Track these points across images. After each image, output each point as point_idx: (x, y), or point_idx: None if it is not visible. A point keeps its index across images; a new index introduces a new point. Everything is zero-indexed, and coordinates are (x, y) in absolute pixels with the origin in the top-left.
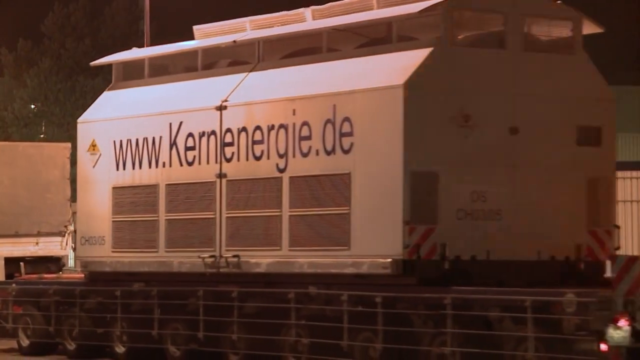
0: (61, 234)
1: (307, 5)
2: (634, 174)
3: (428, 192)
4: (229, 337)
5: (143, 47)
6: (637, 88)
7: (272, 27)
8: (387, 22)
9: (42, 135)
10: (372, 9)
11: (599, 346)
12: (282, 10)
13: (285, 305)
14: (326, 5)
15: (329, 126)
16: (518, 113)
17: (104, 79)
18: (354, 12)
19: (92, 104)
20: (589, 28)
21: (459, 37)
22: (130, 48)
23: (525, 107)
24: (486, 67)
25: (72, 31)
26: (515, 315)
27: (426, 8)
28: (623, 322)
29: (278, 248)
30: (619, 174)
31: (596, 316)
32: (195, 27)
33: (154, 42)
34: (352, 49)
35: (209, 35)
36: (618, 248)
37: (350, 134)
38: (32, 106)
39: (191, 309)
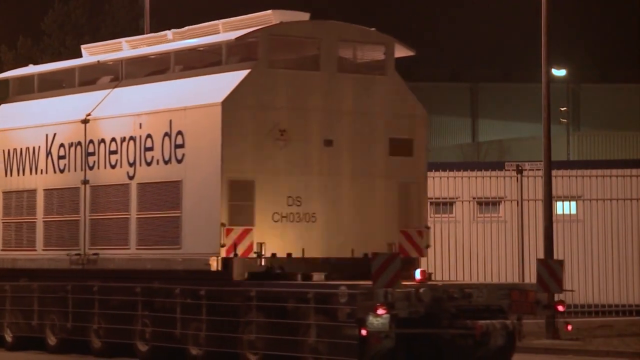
0: None
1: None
2: (634, 172)
3: (245, 198)
4: (91, 326)
5: None
6: (637, 86)
7: (140, 47)
8: (218, 46)
9: None
10: (218, 33)
11: (360, 331)
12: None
13: (133, 298)
14: (184, 28)
15: (167, 139)
16: (332, 127)
17: None
18: (204, 35)
19: None
20: (401, 52)
21: (277, 59)
22: None
23: (339, 122)
24: (302, 87)
25: (72, 29)
26: (301, 306)
27: (243, 35)
28: (382, 311)
29: (128, 247)
30: (620, 172)
31: (359, 306)
32: (82, 46)
33: None
34: (190, 70)
35: (93, 53)
36: (428, 246)
37: (182, 146)
38: None
39: (63, 301)
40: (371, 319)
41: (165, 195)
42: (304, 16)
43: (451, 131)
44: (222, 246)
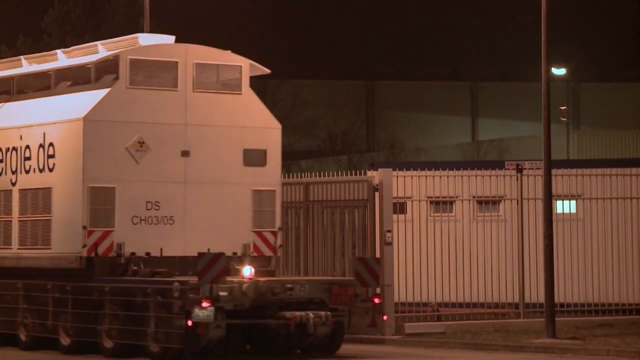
0: None
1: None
2: (634, 170)
3: (106, 203)
4: None
5: None
6: (637, 85)
7: (33, 64)
8: (88, 67)
9: None
10: (97, 53)
11: (187, 322)
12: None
13: (16, 293)
14: (71, 48)
15: (41, 150)
16: (189, 140)
17: None
18: (86, 55)
19: None
20: (256, 70)
21: (138, 79)
22: None
23: (196, 135)
24: (160, 104)
25: (72, 28)
26: (145, 299)
27: (104, 58)
28: (206, 304)
29: (11, 247)
30: (620, 171)
31: (187, 300)
32: None
33: None
34: (67, 87)
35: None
36: (281, 245)
37: (53, 156)
38: None
39: None
40: (197, 311)
41: (39, 200)
42: (170, 39)
43: (451, 130)
44: (84, 246)
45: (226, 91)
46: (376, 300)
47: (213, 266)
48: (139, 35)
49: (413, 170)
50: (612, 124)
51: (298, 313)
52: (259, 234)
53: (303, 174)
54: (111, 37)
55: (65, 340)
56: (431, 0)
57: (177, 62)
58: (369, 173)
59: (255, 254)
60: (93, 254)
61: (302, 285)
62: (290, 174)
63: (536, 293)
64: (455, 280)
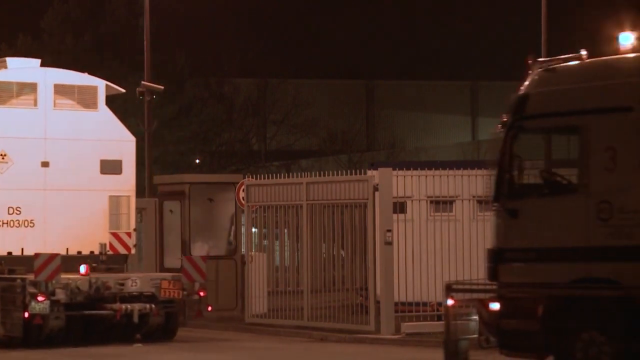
0: None
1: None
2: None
3: None
4: None
5: (143, 43)
6: None
7: None
8: None
9: None
10: None
11: (23, 314)
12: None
13: None
14: None
15: None
16: (49, 152)
17: None
18: None
19: None
20: (112, 90)
21: (1, 99)
22: (129, 45)
23: (55, 148)
24: (21, 120)
25: (72, 27)
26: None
27: None
28: (42, 298)
29: None
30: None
31: (26, 294)
32: None
33: (154, 38)
34: None
35: None
36: (135, 245)
37: None
38: None
39: None
40: (33, 304)
41: None
42: (35, 63)
43: (451, 130)
44: None
45: (83, 109)
46: (201, 294)
47: (48, 265)
48: (7, 59)
49: (413, 169)
50: None
51: (124, 305)
52: (115, 234)
53: (303, 174)
54: (111, 36)
55: None
56: (431, 0)
57: (36, 84)
58: (369, 172)
59: (111, 253)
60: None
61: (134, 281)
62: (290, 174)
63: None
64: (455, 280)
